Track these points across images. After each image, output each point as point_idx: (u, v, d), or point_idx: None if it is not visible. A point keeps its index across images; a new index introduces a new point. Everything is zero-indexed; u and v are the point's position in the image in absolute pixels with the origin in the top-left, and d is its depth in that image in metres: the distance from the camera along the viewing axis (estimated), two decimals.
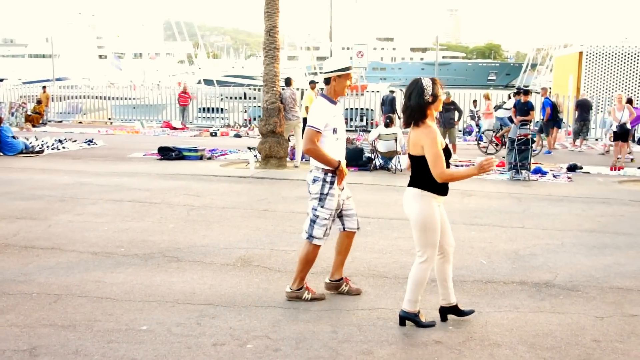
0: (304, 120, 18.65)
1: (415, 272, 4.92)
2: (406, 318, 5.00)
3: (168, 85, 40.56)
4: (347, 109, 25.67)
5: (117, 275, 6.21)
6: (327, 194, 5.41)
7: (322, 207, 5.43)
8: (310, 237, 5.49)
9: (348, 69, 5.43)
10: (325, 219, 5.44)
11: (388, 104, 21.96)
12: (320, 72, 5.42)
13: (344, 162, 5.50)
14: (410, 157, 4.91)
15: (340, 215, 5.65)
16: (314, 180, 5.44)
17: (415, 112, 4.77)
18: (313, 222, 5.46)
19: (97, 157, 16.07)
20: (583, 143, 20.55)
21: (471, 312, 5.17)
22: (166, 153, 15.74)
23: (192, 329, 4.86)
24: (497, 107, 20.19)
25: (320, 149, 5.34)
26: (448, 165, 4.81)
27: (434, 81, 4.80)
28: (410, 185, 4.89)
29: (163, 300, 5.51)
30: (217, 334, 4.77)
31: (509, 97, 22.38)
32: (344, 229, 5.68)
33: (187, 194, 10.80)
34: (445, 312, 5.11)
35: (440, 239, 4.89)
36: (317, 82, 20.11)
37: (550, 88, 46.31)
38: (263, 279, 6.15)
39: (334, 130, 5.41)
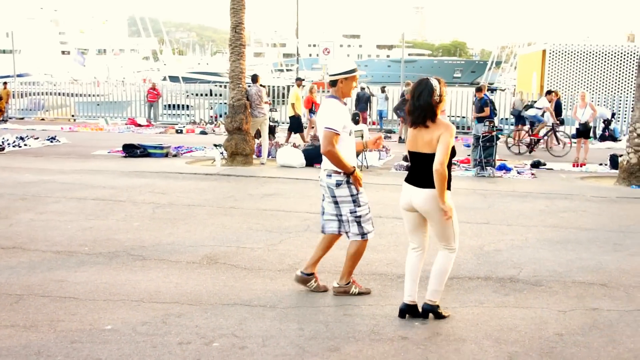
0: (291, 118, 18.60)
1: (445, 263, 5.05)
2: (430, 310, 5.06)
3: (133, 81, 40.08)
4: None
5: (81, 275, 6.12)
6: (357, 194, 5.44)
7: (359, 206, 5.46)
8: (364, 235, 5.52)
9: (355, 70, 5.50)
10: (367, 213, 5.51)
11: (363, 102, 22.05)
12: (329, 74, 5.54)
13: (356, 165, 5.54)
14: (420, 155, 4.92)
15: None
16: (338, 184, 5.40)
17: (428, 111, 4.83)
18: (359, 222, 5.48)
19: (60, 155, 15.82)
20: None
21: (426, 315, 5.11)
22: (131, 150, 15.56)
23: (157, 328, 4.81)
24: (527, 106, 19.89)
25: (339, 153, 5.31)
26: (451, 164, 4.95)
27: (439, 81, 4.91)
28: (424, 185, 4.88)
29: (128, 299, 5.45)
30: (183, 333, 4.73)
31: (540, 96, 22.40)
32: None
33: (153, 191, 10.70)
34: (408, 310, 5.09)
35: (425, 233, 5.15)
36: (304, 79, 20.10)
37: (514, 86, 46.77)
38: (229, 277, 6.13)
39: (350, 132, 5.46)
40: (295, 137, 18.62)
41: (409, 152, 5.05)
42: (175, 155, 15.92)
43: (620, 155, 13.15)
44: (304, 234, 7.87)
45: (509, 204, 10.24)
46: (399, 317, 5.09)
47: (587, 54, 36.84)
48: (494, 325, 4.99)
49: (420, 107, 4.84)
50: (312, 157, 14.47)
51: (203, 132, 23.68)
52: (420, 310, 5.10)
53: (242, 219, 8.69)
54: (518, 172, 13.97)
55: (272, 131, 18.17)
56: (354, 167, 5.42)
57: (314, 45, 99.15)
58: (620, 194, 11.47)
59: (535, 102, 20.29)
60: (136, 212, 9.05)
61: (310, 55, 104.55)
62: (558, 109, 19.88)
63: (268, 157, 15.24)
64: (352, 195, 5.42)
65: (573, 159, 16.16)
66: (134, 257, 6.76)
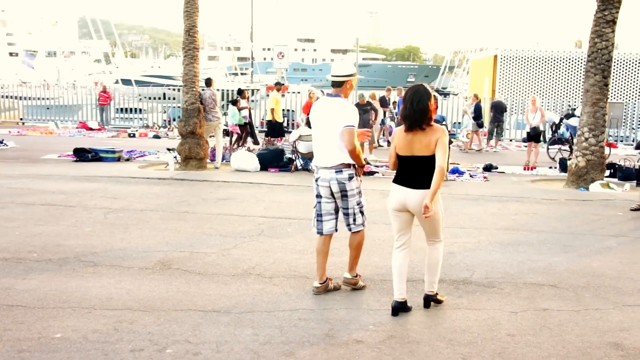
0: (269, 122, 18.41)
1: (438, 255, 5.43)
2: (431, 299, 5.48)
3: (84, 84, 39.42)
4: (241, 109, 25.64)
5: (29, 282, 5.97)
6: (360, 185, 5.81)
7: (363, 197, 5.85)
8: (363, 224, 5.84)
9: (356, 73, 5.88)
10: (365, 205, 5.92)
11: None
12: (338, 75, 5.74)
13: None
14: (417, 158, 5.16)
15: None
16: (350, 178, 5.65)
17: (425, 116, 5.08)
18: (362, 212, 5.81)
19: (7, 159, 15.44)
20: (498, 143, 21.23)
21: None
22: (82, 155, 15.30)
23: (109, 335, 4.73)
24: (568, 115, 19.59)
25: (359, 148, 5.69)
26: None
27: (431, 88, 5.29)
28: (420, 186, 5.12)
29: (78, 306, 5.35)
30: (135, 340, 4.66)
31: (569, 107, 22.43)
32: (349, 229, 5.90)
33: (104, 196, 10.52)
34: (401, 307, 5.31)
35: (410, 232, 5.47)
36: (283, 84, 19.97)
37: (466, 90, 47.40)
38: (183, 282, 6.06)
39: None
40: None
41: (402, 157, 5.25)
42: (127, 160, 15.70)
43: (569, 159, 13.46)
44: (258, 239, 7.83)
45: (462, 207, 10.38)
46: (392, 315, 5.26)
47: (537, 60, 37.64)
48: (447, 327, 5.05)
49: (420, 112, 5.08)
50: (267, 161, 14.44)
51: (156, 136, 23.44)
52: (409, 305, 5.38)
53: (195, 224, 8.61)
54: (471, 176, 14.18)
55: (253, 135, 18.20)
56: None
57: (269, 49, 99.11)
58: (569, 196, 11.73)
59: (574, 109, 19.77)
60: (87, 217, 8.88)
61: (264, 59, 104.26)
62: (478, 112, 20.32)
63: (222, 161, 15.16)
64: (358, 188, 5.75)
65: (524, 163, 16.49)
66: (85, 263, 6.63)
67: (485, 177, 14.09)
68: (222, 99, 26.95)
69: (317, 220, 5.80)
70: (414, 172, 5.16)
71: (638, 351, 4.68)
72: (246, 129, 18.65)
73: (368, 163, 14.95)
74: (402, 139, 5.21)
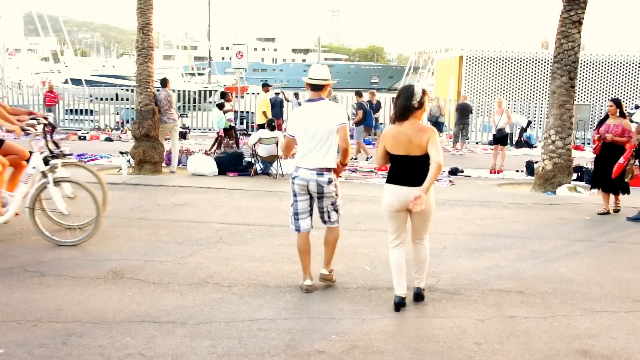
0: (261, 126, 18.19)
1: (427, 252, 5.91)
2: (421, 295, 5.91)
3: (30, 84, 38.70)
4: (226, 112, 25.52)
5: None
6: (338, 188, 6.26)
7: (339, 199, 6.29)
8: (338, 221, 6.30)
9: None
10: None
11: (277, 107, 22.14)
12: (321, 79, 6.13)
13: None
14: (413, 158, 5.58)
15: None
16: (330, 182, 6.05)
17: (403, 110, 5.56)
18: (337, 211, 6.24)
19: None
20: (464, 146, 21.48)
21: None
22: (27, 159, 14.98)
23: (57, 350, 4.64)
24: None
25: None
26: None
27: (423, 91, 5.65)
28: (420, 184, 5.49)
29: (24, 319, 5.23)
30: (86, 354, 4.58)
31: (636, 107, 22.41)
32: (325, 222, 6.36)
33: None
34: (403, 303, 5.71)
35: (406, 229, 5.81)
36: (271, 86, 19.85)
37: (431, 92, 47.92)
38: (136, 292, 5.98)
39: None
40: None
41: (396, 156, 5.63)
42: None
43: (536, 162, 13.69)
44: (216, 246, 7.78)
45: None
46: (395, 311, 5.61)
47: (503, 60, 38.22)
48: (412, 336, 5.07)
49: (400, 106, 5.59)
50: (225, 165, 14.36)
51: (108, 139, 23.15)
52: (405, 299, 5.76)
53: (150, 231, 8.51)
54: (436, 180, 14.29)
55: (236, 139, 18.02)
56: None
57: (227, 49, 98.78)
58: (536, 200, 11.92)
59: (634, 113, 19.43)
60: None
61: (223, 58, 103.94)
62: (374, 111, 20.65)
63: (178, 165, 15.03)
64: (335, 190, 6.18)
65: (490, 166, 16.70)
66: (31, 273, 6.51)
67: (450, 181, 14.23)
68: (179, 100, 26.75)
69: (295, 219, 6.16)
70: (411, 171, 5.59)
71: (606, 358, 4.77)
72: (231, 133, 18.53)
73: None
74: (396, 141, 5.59)
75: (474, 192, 12.85)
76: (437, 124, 21.17)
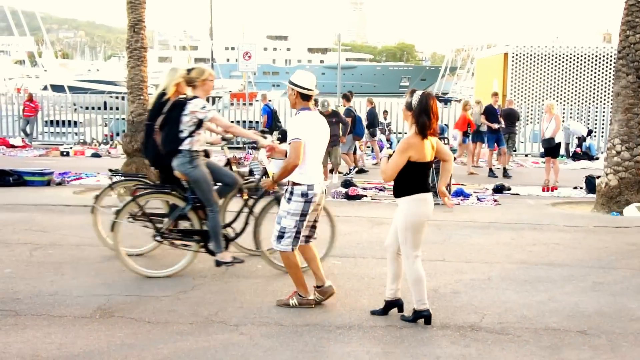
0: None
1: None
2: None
3: (3, 91, 39.20)
4: (232, 121, 25.70)
5: None
6: None
7: None
8: None
9: None
10: None
11: (275, 118, 22.38)
12: (311, 90, 6.72)
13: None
14: (429, 164, 6.32)
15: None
16: (290, 200, 6.62)
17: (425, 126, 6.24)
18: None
19: None
20: (510, 159, 21.35)
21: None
22: (1, 178, 15.16)
23: None
24: None
25: None
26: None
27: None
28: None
29: None
30: None
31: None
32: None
33: (30, 229, 10.43)
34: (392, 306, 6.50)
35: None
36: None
37: (471, 96, 47.86)
38: (129, 334, 6.00)
39: None
40: None
41: (422, 164, 6.22)
42: (59, 184, 15.59)
43: (598, 177, 13.58)
44: (222, 278, 7.79)
45: (468, 236, 10.41)
46: (426, 324, 6.23)
47: (556, 58, 38.02)
48: None
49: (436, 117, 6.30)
50: None
51: (96, 155, 23.33)
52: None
53: (144, 262, 8.53)
54: (478, 199, 14.26)
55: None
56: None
57: (232, 49, 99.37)
58: (599, 222, 11.82)
59: None
60: (7, 255, 8.78)
61: (227, 60, 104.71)
62: (371, 119, 20.63)
63: None
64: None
65: (543, 182, 16.59)
66: (5, 312, 6.55)
67: (495, 201, 14.17)
68: None
69: (296, 238, 6.64)
70: (427, 177, 6.34)
71: None
72: None
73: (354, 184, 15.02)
74: (421, 147, 6.17)
75: (524, 213, 12.77)
76: (479, 134, 21.03)
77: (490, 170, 18.84)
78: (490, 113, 19.05)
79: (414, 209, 6.16)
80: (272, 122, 22.22)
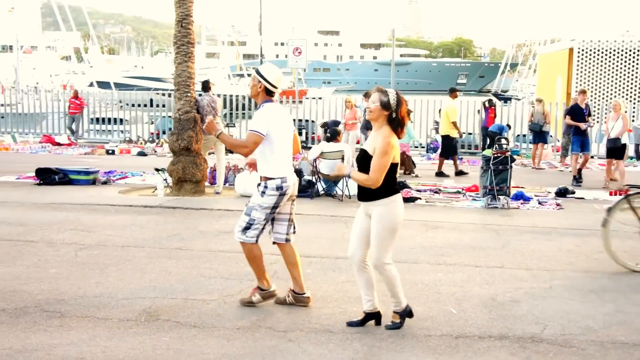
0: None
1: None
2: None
3: (49, 88, 39.91)
4: None
5: None
6: None
7: None
8: None
9: None
10: None
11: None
12: (277, 88, 6.97)
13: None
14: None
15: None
16: (264, 193, 6.79)
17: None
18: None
19: None
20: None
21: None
22: (47, 176, 15.42)
23: None
24: None
25: None
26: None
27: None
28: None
29: None
30: None
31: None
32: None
33: (75, 229, 10.60)
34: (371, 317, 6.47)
35: None
36: (460, 91, 20.42)
37: (532, 93, 47.30)
38: (174, 338, 6.07)
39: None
40: None
41: (396, 164, 6.31)
42: (105, 183, 15.80)
43: None
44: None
45: (529, 242, 10.30)
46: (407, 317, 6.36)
47: (626, 53, 37.33)
48: None
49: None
50: None
51: (141, 153, 23.57)
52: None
53: (191, 263, 8.63)
54: (539, 203, 14.09)
55: None
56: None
57: (282, 44, 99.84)
58: None
59: None
60: (53, 255, 8.94)
61: (277, 56, 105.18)
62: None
63: (225, 184, 15.18)
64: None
65: (602, 184, 16.31)
66: (50, 313, 6.67)
67: (558, 204, 13.98)
68: (225, 107, 26.99)
69: (261, 230, 6.92)
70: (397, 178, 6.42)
71: None
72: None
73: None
74: (397, 147, 6.28)
75: (589, 218, 12.56)
76: (541, 134, 20.78)
77: (575, 177, 17.31)
78: (576, 112, 18.45)
79: (394, 210, 6.22)
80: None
